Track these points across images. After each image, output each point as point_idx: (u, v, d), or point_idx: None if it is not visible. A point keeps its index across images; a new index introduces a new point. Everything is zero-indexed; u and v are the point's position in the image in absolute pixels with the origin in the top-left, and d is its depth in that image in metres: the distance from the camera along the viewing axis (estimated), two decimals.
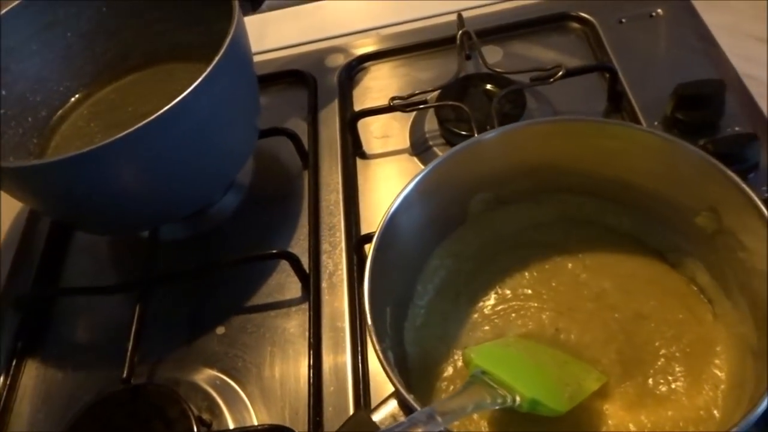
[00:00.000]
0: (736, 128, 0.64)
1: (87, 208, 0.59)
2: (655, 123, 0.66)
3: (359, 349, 0.59)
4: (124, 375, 0.57)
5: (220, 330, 0.64)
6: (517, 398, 0.39)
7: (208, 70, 0.54)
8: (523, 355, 0.45)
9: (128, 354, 0.59)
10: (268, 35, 0.91)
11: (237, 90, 0.62)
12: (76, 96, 0.75)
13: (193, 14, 0.72)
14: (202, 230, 0.72)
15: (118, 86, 0.76)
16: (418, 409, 0.35)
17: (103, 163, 0.52)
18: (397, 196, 0.45)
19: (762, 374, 0.36)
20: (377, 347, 0.38)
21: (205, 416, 0.57)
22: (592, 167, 0.49)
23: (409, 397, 0.36)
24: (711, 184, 0.43)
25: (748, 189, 0.40)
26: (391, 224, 0.45)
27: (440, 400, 0.36)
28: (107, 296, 0.67)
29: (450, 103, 0.70)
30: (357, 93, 0.82)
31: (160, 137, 0.54)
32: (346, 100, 0.79)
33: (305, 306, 0.63)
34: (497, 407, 0.38)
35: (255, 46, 0.81)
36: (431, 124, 0.73)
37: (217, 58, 0.55)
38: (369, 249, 0.44)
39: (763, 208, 0.39)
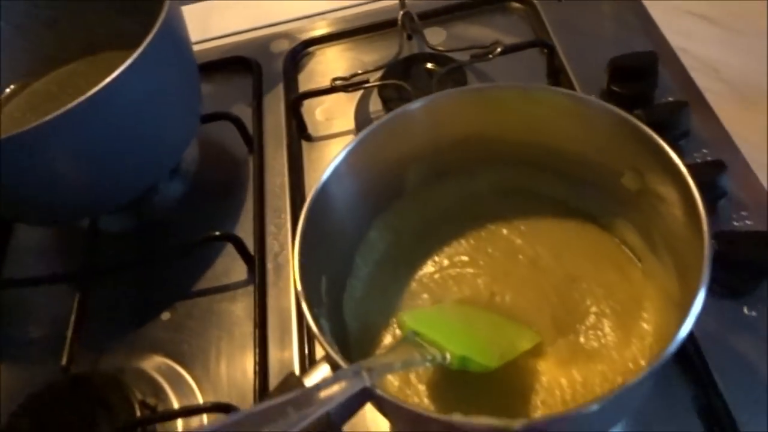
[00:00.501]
0: (670, 98, 0.66)
1: (18, 197, 0.57)
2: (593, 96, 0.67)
3: (305, 329, 0.59)
4: (63, 362, 0.56)
5: (166, 316, 0.63)
6: (448, 355, 0.39)
7: (135, 54, 0.53)
8: (457, 318, 0.46)
9: (68, 342, 0.58)
10: (213, 23, 0.91)
11: (172, 75, 0.62)
12: (12, 87, 0.73)
13: (132, 2, 0.71)
14: (146, 219, 0.72)
15: (56, 77, 0.75)
16: (345, 367, 0.35)
17: (31, 148, 0.51)
18: (327, 167, 0.45)
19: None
20: (307, 310, 0.38)
21: (150, 401, 0.57)
22: (520, 135, 0.49)
23: (337, 356, 0.36)
24: (630, 143, 0.44)
25: (662, 143, 0.41)
26: (322, 195, 0.45)
27: (368, 359, 0.36)
28: (48, 288, 0.66)
29: (392, 82, 0.70)
30: (302, 77, 0.82)
31: (89, 121, 0.53)
32: (290, 85, 0.79)
33: (251, 288, 0.63)
34: (428, 364, 0.39)
35: (199, 33, 0.81)
36: (375, 104, 0.74)
37: (144, 43, 0.54)
38: None
39: (678, 161, 0.40)
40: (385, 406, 0.39)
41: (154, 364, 0.60)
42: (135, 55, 0.53)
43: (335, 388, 0.32)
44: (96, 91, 0.51)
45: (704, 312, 0.52)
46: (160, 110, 0.61)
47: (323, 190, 0.45)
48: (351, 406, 0.37)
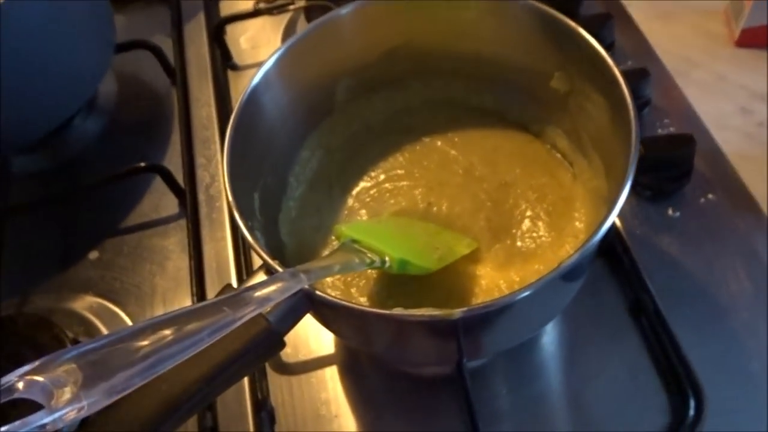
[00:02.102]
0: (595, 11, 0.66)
1: None
2: None
3: (241, 258, 0.58)
4: None
5: (94, 255, 0.61)
6: (387, 259, 0.39)
7: None
8: (394, 228, 0.46)
9: None
10: None
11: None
12: None
13: None
14: (65, 158, 0.68)
15: None
16: (281, 270, 0.34)
17: None
18: (255, 73, 0.44)
19: None
20: (239, 218, 0.37)
21: (84, 339, 0.54)
22: (449, 43, 0.49)
23: (273, 262, 0.35)
24: (560, 43, 0.44)
25: (590, 38, 0.41)
26: (251, 102, 0.43)
27: (305, 264, 0.35)
28: None
29: (319, 3, 0.68)
30: (224, 4, 0.78)
31: None
32: (212, 12, 0.76)
33: (183, 222, 0.61)
34: (366, 268, 0.38)
35: None
36: (303, 27, 0.71)
37: None
38: None
39: (608, 59, 0.41)
40: (324, 312, 0.39)
41: (85, 303, 0.58)
42: None
43: (271, 288, 0.31)
44: None
45: (631, 215, 0.55)
46: (63, 37, 0.57)
47: (252, 97, 0.43)
48: (292, 312, 0.36)
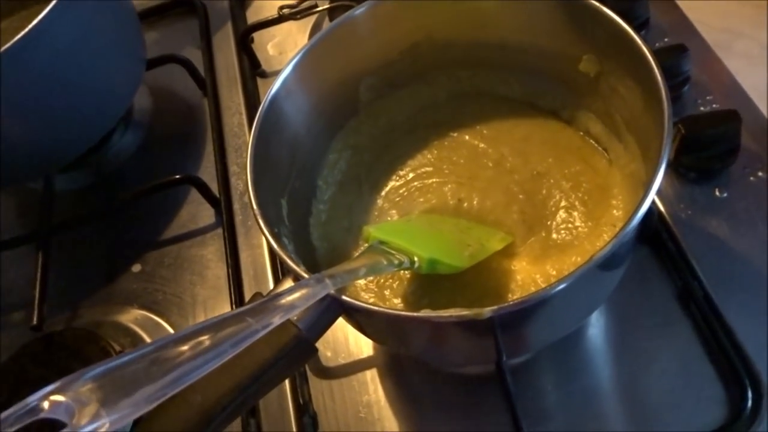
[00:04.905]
0: None
1: None
2: None
3: (278, 263, 0.58)
4: (34, 323, 0.55)
5: (136, 268, 0.62)
6: (416, 259, 0.38)
7: (53, 2, 0.51)
8: (424, 226, 0.45)
9: (35, 302, 0.56)
10: None
11: (103, 19, 0.59)
12: None
13: None
14: (104, 174, 0.70)
15: None
16: (306, 276, 0.34)
17: None
18: (274, 82, 0.43)
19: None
20: (263, 224, 0.37)
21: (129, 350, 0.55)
22: (471, 34, 0.47)
23: (298, 268, 0.35)
24: (585, 25, 0.42)
25: (615, 17, 0.39)
26: (272, 111, 0.43)
27: (331, 268, 0.35)
28: (12, 254, 0.64)
29: (342, 3, 0.67)
30: (250, 13, 0.79)
31: (17, 72, 0.50)
32: (238, 21, 0.76)
33: (220, 230, 0.61)
34: (395, 269, 0.38)
35: None
36: None
37: None
38: None
39: (634, 35, 0.39)
40: (356, 317, 0.38)
41: (129, 316, 0.59)
42: (52, 3, 0.51)
43: (296, 295, 0.31)
44: (17, 39, 0.49)
45: (676, 198, 0.52)
46: (96, 56, 0.58)
47: (272, 106, 0.43)
48: (321, 319, 0.36)
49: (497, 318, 0.33)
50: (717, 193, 0.52)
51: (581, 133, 0.49)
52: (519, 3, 0.45)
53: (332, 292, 0.33)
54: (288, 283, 0.37)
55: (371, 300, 0.45)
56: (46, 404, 0.22)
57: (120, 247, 0.64)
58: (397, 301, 0.45)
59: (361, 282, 0.46)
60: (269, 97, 0.43)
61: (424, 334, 0.38)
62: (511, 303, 0.32)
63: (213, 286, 0.59)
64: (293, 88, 0.45)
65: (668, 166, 0.52)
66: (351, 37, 0.47)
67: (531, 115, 0.50)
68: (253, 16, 0.78)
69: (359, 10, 0.45)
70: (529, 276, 0.44)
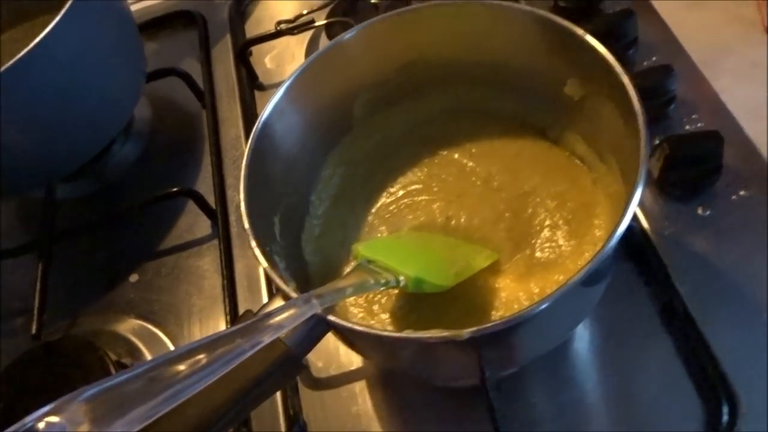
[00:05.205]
0: (618, 8, 0.65)
1: None
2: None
3: None
4: (33, 331, 0.56)
5: (134, 278, 0.63)
6: (401, 278, 0.39)
7: (58, 16, 0.52)
8: (412, 244, 0.46)
9: (35, 311, 0.58)
10: None
11: (105, 33, 0.60)
12: None
13: None
14: (105, 183, 0.71)
15: None
16: (295, 296, 0.35)
17: None
18: (266, 106, 0.45)
19: None
20: (255, 244, 0.38)
21: (126, 360, 0.57)
22: (462, 53, 0.49)
23: (287, 287, 0.37)
24: (570, 49, 0.43)
25: (595, 43, 0.41)
26: (264, 133, 0.44)
27: (319, 288, 0.36)
28: (13, 262, 0.65)
29: (338, 19, 0.69)
30: (249, 26, 0.80)
31: (22, 85, 0.52)
32: (237, 34, 0.77)
33: (216, 242, 0.63)
34: (382, 288, 0.39)
35: None
36: (324, 44, 0.72)
37: (67, 6, 0.53)
38: None
39: (611, 59, 0.40)
40: (344, 334, 0.40)
41: (127, 325, 0.61)
42: (57, 17, 0.52)
43: (284, 315, 0.32)
44: (21, 55, 0.50)
45: (660, 215, 0.53)
46: (97, 70, 0.59)
47: (265, 129, 0.44)
48: (309, 336, 0.37)
49: (478, 338, 0.34)
50: (700, 211, 0.53)
51: (568, 153, 0.50)
52: (509, 25, 0.46)
53: (319, 311, 0.34)
54: (278, 302, 0.38)
55: (360, 315, 0.47)
56: (41, 425, 0.24)
57: (118, 257, 0.66)
58: (386, 317, 0.46)
59: (351, 298, 0.47)
60: (261, 122, 0.44)
61: (409, 353, 0.40)
62: (490, 324, 0.34)
63: (209, 296, 0.60)
64: (286, 109, 0.46)
65: (652, 183, 0.54)
66: (344, 57, 0.48)
67: (519, 133, 0.52)
68: (252, 28, 0.80)
69: (350, 34, 0.47)
70: (513, 293, 0.45)
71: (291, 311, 0.33)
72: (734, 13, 0.66)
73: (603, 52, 0.40)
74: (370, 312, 0.46)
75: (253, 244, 0.38)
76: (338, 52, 0.47)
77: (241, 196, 0.40)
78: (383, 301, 0.47)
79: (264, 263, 0.38)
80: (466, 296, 0.45)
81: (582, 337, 0.50)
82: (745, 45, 0.64)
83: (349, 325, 0.35)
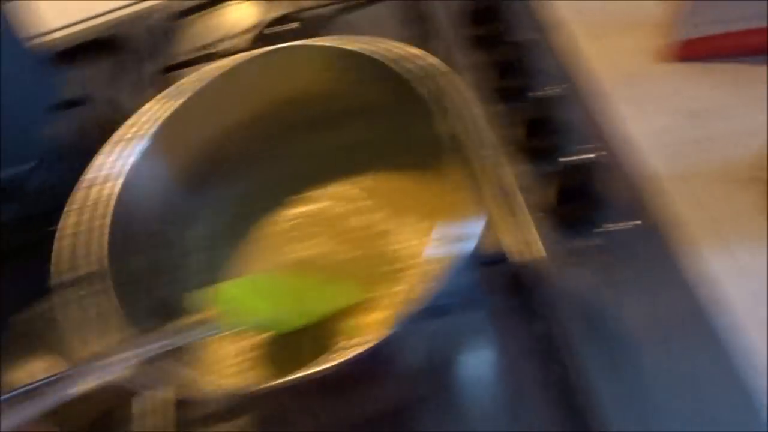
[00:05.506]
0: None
1: None
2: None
3: None
4: None
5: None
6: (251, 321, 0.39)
7: None
8: (278, 283, 0.46)
9: None
10: (75, 6, 0.88)
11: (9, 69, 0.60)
12: None
13: None
14: (28, 209, 0.71)
15: None
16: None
17: None
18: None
19: None
20: None
21: None
22: (319, 95, 0.50)
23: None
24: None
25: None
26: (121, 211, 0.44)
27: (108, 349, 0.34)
28: None
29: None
30: (177, 50, 0.80)
31: None
32: (159, 61, 0.78)
33: None
34: (219, 333, 0.39)
35: (61, 19, 0.79)
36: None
37: None
38: None
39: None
40: None
41: None
42: None
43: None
44: None
45: (545, 247, 0.53)
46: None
47: (119, 205, 0.44)
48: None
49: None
50: (587, 244, 0.53)
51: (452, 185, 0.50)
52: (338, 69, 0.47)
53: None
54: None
55: (234, 356, 0.46)
56: None
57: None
58: (260, 353, 0.46)
59: None
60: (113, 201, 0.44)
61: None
62: (278, 383, 0.33)
63: None
64: (152, 160, 0.46)
65: (543, 213, 0.54)
66: (213, 100, 0.48)
67: (399, 166, 0.52)
68: (179, 51, 0.80)
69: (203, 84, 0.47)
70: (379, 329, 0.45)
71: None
72: (639, 43, 0.66)
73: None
74: (244, 352, 0.46)
75: None
76: (204, 95, 0.47)
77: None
78: (256, 339, 0.47)
79: None
80: (332, 328, 0.45)
81: (474, 369, 0.50)
82: (648, 74, 0.64)
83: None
